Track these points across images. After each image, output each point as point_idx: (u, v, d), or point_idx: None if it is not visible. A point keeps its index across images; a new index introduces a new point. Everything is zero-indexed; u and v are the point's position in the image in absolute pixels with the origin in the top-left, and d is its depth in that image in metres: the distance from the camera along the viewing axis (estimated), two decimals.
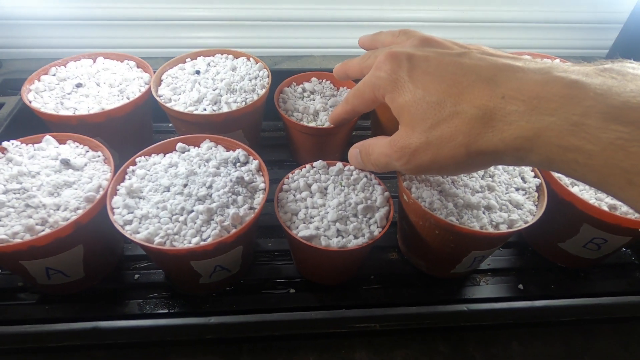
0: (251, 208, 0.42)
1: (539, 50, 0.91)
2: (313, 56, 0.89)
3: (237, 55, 0.61)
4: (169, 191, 0.42)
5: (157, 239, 0.38)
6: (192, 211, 0.40)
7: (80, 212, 0.40)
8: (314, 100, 0.60)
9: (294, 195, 0.44)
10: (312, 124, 0.56)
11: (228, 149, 0.47)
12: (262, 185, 0.44)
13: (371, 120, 0.62)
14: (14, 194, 0.40)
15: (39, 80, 0.54)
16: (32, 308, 0.45)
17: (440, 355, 0.44)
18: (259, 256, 0.51)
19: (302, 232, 0.41)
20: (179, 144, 0.47)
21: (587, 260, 0.50)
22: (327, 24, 0.86)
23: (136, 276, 0.48)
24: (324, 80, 0.62)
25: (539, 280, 0.51)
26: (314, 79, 0.62)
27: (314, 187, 0.45)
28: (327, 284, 0.49)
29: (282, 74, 0.61)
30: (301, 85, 0.61)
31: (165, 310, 0.45)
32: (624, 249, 0.54)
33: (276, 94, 0.58)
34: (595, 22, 0.90)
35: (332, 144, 0.58)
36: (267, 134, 0.68)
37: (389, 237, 0.53)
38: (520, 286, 0.50)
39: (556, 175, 0.46)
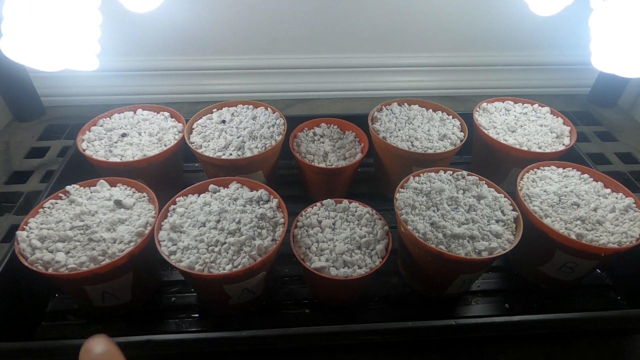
0: (273, 240, 0.50)
1: (524, 90, 1.00)
2: (321, 99, 0.99)
3: (256, 106, 0.70)
4: (204, 226, 0.50)
5: (197, 267, 0.46)
6: (225, 243, 0.48)
7: (132, 244, 0.48)
8: (324, 142, 0.69)
9: (307, 230, 0.53)
10: (322, 165, 0.65)
11: (252, 189, 0.56)
12: (281, 220, 0.52)
13: (374, 159, 0.71)
14: (79, 230, 0.49)
15: (90, 131, 0.64)
16: (85, 328, 0.53)
17: None
18: (278, 280, 0.59)
19: (314, 264, 0.48)
20: (211, 186, 0.56)
21: (564, 282, 0.57)
22: (333, 70, 0.96)
23: (173, 299, 0.56)
24: (331, 125, 0.71)
25: (523, 300, 0.58)
26: (322, 124, 0.71)
27: (324, 223, 0.53)
28: (337, 305, 0.56)
29: (294, 120, 0.70)
30: (312, 130, 0.70)
31: (199, 328, 0.53)
32: (599, 271, 0.61)
33: (291, 139, 0.67)
34: (577, 64, 0.99)
35: (340, 181, 0.67)
36: (283, 171, 0.77)
37: (390, 263, 0.61)
38: (507, 305, 0.57)
39: (531, 208, 0.53)
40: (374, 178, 0.74)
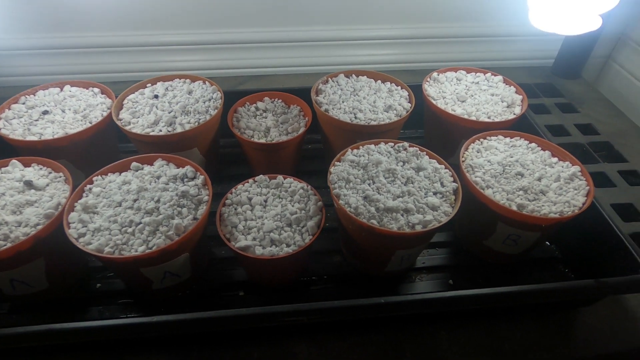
0: (194, 218, 0.46)
1: (488, 62, 0.97)
2: (276, 75, 0.95)
3: (194, 79, 0.66)
4: (120, 206, 0.46)
5: (106, 249, 0.42)
6: (140, 223, 0.44)
7: (39, 227, 0.44)
8: (266, 117, 0.65)
9: (235, 208, 0.49)
10: (262, 140, 0.61)
11: (178, 166, 0.52)
12: (205, 198, 0.48)
13: (320, 134, 0.67)
14: None
15: (9, 109, 0.59)
16: (2, 318, 0.49)
17: (373, 346, 0.49)
18: (214, 263, 0.56)
19: (239, 243, 0.45)
20: (133, 163, 0.52)
21: (510, 256, 0.54)
22: (288, 44, 0.92)
23: (98, 285, 0.53)
24: (276, 100, 0.67)
25: (469, 275, 0.56)
26: (266, 98, 0.67)
27: (255, 200, 0.50)
28: (274, 286, 0.53)
29: (237, 95, 0.66)
30: (254, 105, 0.67)
31: (123, 315, 0.50)
32: (549, 244, 0.59)
33: (230, 114, 0.63)
34: (539, 35, 0.96)
35: (283, 157, 0.63)
36: (228, 150, 0.73)
37: (333, 241, 0.58)
38: (451, 282, 0.54)
39: (472, 179, 0.51)
40: (323, 154, 0.71)
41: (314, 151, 0.73)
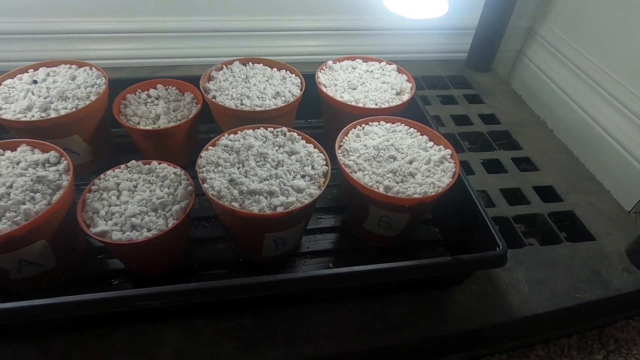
0: (49, 204, 0.45)
1: (405, 55, 0.99)
2: (191, 65, 0.93)
3: (80, 65, 0.64)
4: None
5: None
6: None
7: None
8: (157, 105, 0.63)
9: (101, 194, 0.48)
10: (148, 127, 0.60)
11: (44, 152, 0.50)
12: (65, 184, 0.47)
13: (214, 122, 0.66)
14: None
15: None
16: None
17: (246, 330, 0.49)
18: (91, 252, 0.54)
19: (96, 228, 0.44)
20: None
21: (389, 238, 0.56)
22: (203, 34, 0.91)
23: None
24: (169, 87, 0.66)
25: (351, 259, 0.56)
26: (159, 85, 0.66)
27: (122, 185, 0.49)
28: (150, 273, 0.52)
29: (132, 82, 0.64)
30: (146, 92, 0.65)
31: None
32: (433, 228, 0.61)
33: (116, 101, 0.62)
34: (453, 29, 0.99)
35: (173, 144, 0.62)
36: (126, 139, 0.71)
37: (219, 228, 0.58)
38: (331, 265, 0.55)
39: (343, 162, 0.51)
40: None
41: (204, 142, 0.72)
